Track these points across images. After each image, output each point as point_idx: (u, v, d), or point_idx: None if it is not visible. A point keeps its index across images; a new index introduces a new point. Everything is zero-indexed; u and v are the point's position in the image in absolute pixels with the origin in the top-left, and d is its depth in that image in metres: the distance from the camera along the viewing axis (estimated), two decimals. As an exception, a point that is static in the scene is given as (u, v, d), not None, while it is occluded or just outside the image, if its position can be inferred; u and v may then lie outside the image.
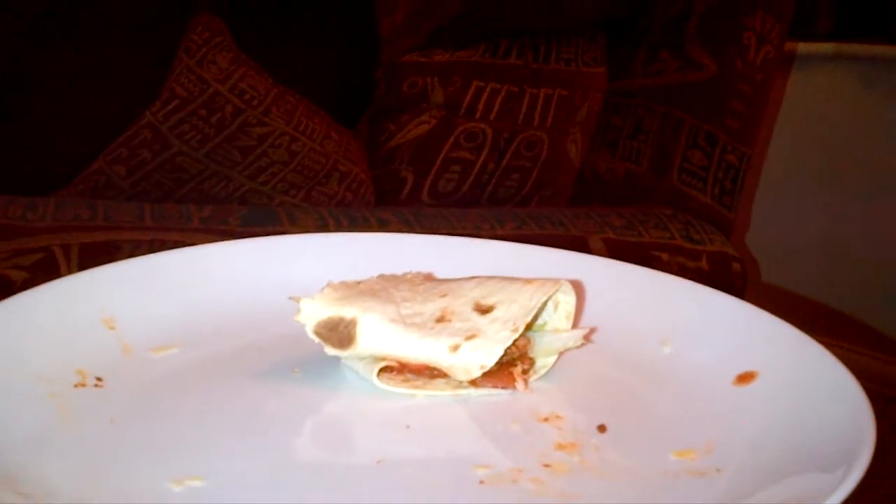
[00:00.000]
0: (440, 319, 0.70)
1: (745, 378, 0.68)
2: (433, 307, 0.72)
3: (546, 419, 0.66)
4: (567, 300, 0.74)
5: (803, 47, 2.49)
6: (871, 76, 2.48)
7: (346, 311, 0.70)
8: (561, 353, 0.73)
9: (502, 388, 0.69)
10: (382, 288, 0.74)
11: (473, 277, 0.76)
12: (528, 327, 0.71)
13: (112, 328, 0.73)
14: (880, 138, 2.48)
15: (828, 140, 2.54)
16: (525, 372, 0.71)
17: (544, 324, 0.75)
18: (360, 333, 0.69)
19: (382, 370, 0.69)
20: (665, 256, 1.54)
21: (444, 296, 0.73)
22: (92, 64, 1.62)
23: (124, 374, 0.69)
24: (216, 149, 1.59)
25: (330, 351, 0.70)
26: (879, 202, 2.49)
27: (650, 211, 1.64)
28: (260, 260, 0.84)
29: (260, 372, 0.71)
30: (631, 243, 1.52)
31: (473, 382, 0.69)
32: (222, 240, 1.08)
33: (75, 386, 0.66)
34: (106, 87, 1.62)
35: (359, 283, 0.75)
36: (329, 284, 0.73)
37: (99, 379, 0.68)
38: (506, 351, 0.68)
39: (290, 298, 0.70)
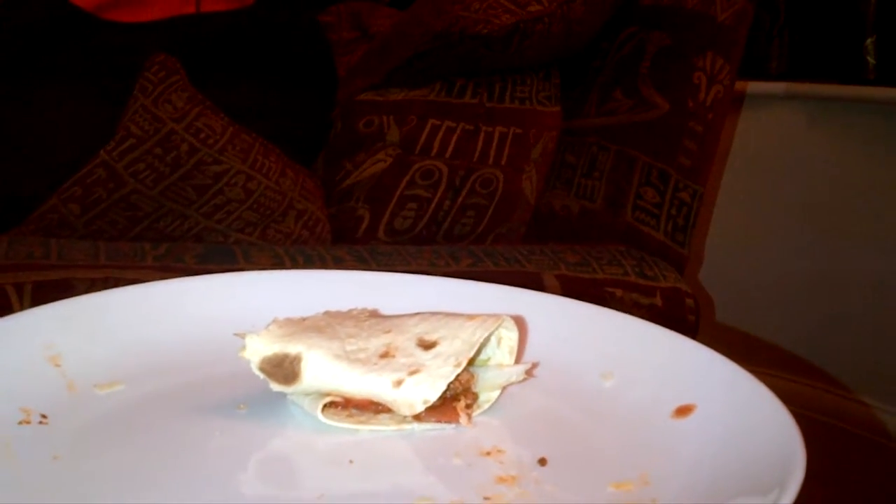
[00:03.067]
0: (384, 355, 0.71)
1: (682, 411, 0.69)
2: (377, 343, 0.72)
3: (488, 453, 0.66)
4: (510, 335, 0.75)
5: (755, 86, 2.53)
6: (822, 115, 2.53)
7: (291, 348, 0.70)
8: (504, 388, 0.74)
9: (446, 422, 0.70)
10: (328, 324, 0.75)
11: (417, 314, 0.77)
12: (471, 362, 0.72)
13: (58, 365, 0.73)
14: (830, 176, 2.52)
15: (779, 178, 2.58)
16: (468, 406, 0.71)
17: (487, 359, 0.76)
18: (305, 369, 0.69)
19: (327, 406, 0.70)
20: (619, 293, 1.55)
21: (389, 332, 0.74)
22: (46, 102, 1.62)
23: (69, 411, 0.69)
24: (171, 187, 1.59)
25: (275, 387, 0.70)
26: (831, 238, 2.53)
27: (604, 248, 1.66)
28: (206, 297, 0.85)
29: (206, 408, 0.71)
30: (585, 280, 1.53)
31: (417, 417, 0.69)
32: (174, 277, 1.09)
33: (20, 423, 0.66)
34: (60, 126, 1.62)
35: (304, 319, 0.75)
36: (275, 321, 0.73)
37: (44, 416, 0.68)
38: (449, 386, 0.69)
39: (236, 335, 0.71)
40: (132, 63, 1.64)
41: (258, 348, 0.70)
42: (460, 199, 1.76)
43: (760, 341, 2.39)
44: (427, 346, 0.72)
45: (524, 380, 0.75)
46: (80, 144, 1.59)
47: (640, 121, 1.74)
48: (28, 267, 1.27)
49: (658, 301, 1.57)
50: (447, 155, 1.75)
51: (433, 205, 1.75)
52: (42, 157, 1.62)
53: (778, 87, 2.55)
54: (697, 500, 0.59)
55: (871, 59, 2.43)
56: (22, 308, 1.18)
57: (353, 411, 0.70)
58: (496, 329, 0.74)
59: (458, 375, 0.70)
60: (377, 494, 0.63)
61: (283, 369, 0.70)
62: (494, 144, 1.77)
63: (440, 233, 1.76)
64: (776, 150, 2.56)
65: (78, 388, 0.72)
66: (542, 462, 0.65)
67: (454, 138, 1.76)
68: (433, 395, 0.68)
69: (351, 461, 0.65)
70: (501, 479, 0.63)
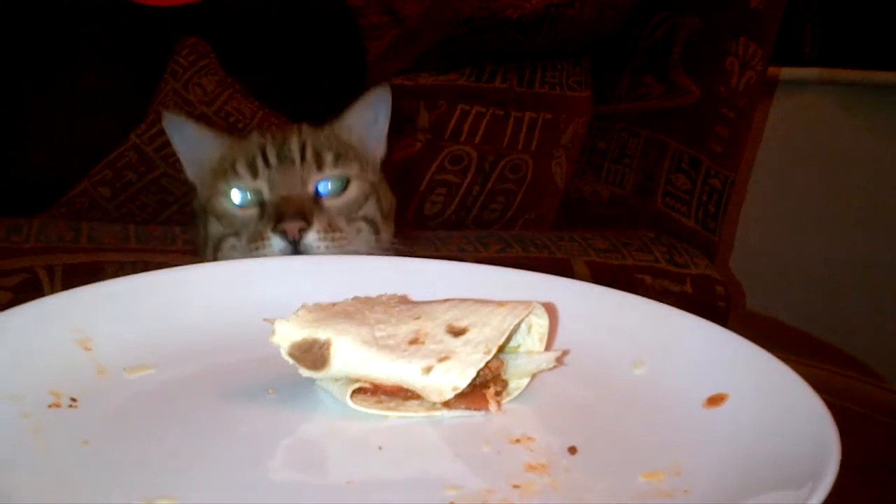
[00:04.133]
0: (413, 341, 0.71)
1: (714, 400, 0.69)
2: (407, 329, 0.72)
3: (517, 441, 0.66)
4: (540, 322, 0.75)
5: (788, 72, 2.51)
6: (855, 101, 2.50)
7: (321, 333, 0.70)
8: (534, 376, 0.74)
9: (475, 409, 0.70)
10: (357, 310, 0.75)
11: (447, 300, 0.76)
12: (501, 349, 0.71)
13: (88, 349, 0.73)
14: (864, 163, 2.49)
15: (811, 165, 2.55)
16: (498, 394, 0.71)
17: (518, 346, 0.75)
18: (334, 355, 0.69)
19: (356, 392, 0.69)
20: (649, 279, 1.54)
21: (418, 318, 0.73)
22: (77, 86, 1.62)
23: (99, 394, 0.69)
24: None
25: (304, 372, 0.70)
26: (864, 226, 2.51)
27: (634, 234, 1.65)
28: (236, 282, 0.85)
29: (234, 393, 0.71)
30: (615, 266, 1.53)
31: (446, 404, 0.69)
32: (204, 261, 1.09)
33: (49, 406, 0.66)
34: (91, 109, 1.63)
35: (333, 305, 0.75)
36: (304, 306, 0.73)
37: (73, 399, 0.68)
38: (479, 373, 0.69)
39: (265, 320, 0.71)
40: (162, 46, 1.65)
41: (287, 333, 0.70)
42: (489, 185, 1.75)
43: (792, 329, 2.37)
44: (457, 332, 0.71)
45: (554, 367, 0.74)
46: (111, 128, 1.60)
47: (672, 106, 1.73)
48: (59, 250, 1.28)
49: (688, 288, 1.56)
50: (476, 140, 1.74)
51: (462, 190, 1.74)
52: (73, 141, 1.62)
53: (811, 72, 2.52)
54: (730, 490, 0.58)
55: (906, 45, 2.41)
56: (53, 291, 1.19)
57: (382, 397, 0.70)
58: (526, 316, 0.73)
59: (487, 362, 0.69)
60: (406, 481, 0.62)
61: (313, 354, 0.70)
62: (524, 130, 1.77)
63: (469, 218, 1.76)
64: (809, 137, 2.53)
65: (108, 371, 0.72)
66: (573, 450, 0.65)
67: (484, 123, 1.75)
68: (463, 382, 0.68)
69: (380, 447, 0.65)
70: (531, 467, 0.63)
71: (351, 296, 0.77)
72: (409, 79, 1.77)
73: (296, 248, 1.01)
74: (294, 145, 1.09)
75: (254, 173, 1.07)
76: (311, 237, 1.01)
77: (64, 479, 0.59)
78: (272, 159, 1.07)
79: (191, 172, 1.17)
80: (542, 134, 1.77)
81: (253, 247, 1.03)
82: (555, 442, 0.66)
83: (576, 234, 1.61)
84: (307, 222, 1.01)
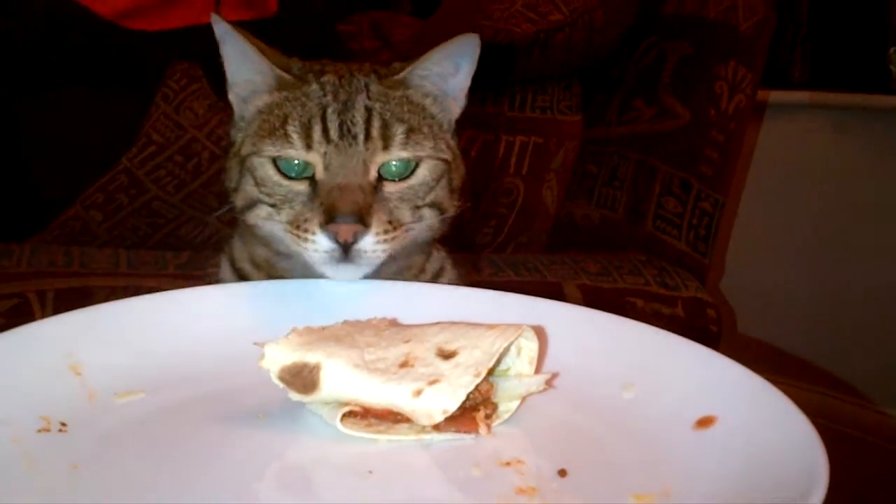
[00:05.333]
0: (403, 364, 0.71)
1: (704, 423, 0.69)
2: (397, 352, 0.72)
3: (508, 463, 0.66)
4: (530, 346, 0.75)
5: (778, 95, 2.52)
6: (844, 124, 2.51)
7: (310, 357, 0.70)
8: (523, 399, 0.74)
9: (465, 432, 0.70)
10: (347, 333, 0.75)
11: (437, 324, 0.76)
12: (491, 372, 0.71)
13: (78, 374, 0.73)
14: (853, 185, 2.50)
15: (801, 187, 2.56)
16: (488, 417, 0.71)
17: (507, 369, 0.75)
18: (324, 378, 0.69)
19: (346, 415, 0.70)
20: (640, 303, 1.55)
21: (408, 341, 0.74)
22: (69, 110, 1.63)
23: (88, 419, 0.69)
24: (192, 194, 1.59)
25: (294, 396, 0.70)
26: (854, 248, 2.51)
27: (625, 257, 1.66)
28: (226, 307, 0.85)
29: (224, 417, 0.71)
30: (606, 289, 1.53)
31: (436, 427, 0.69)
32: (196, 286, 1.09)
33: (39, 431, 0.66)
34: (83, 133, 1.63)
35: (323, 328, 0.75)
36: (294, 330, 0.73)
37: (63, 424, 0.68)
38: (468, 396, 0.69)
39: (255, 344, 0.71)
40: (154, 70, 1.65)
41: (277, 357, 0.70)
42: (481, 208, 1.75)
43: (782, 351, 2.37)
44: (447, 355, 0.71)
45: (544, 390, 0.74)
46: (103, 152, 1.60)
47: (662, 130, 1.74)
48: (50, 275, 1.28)
49: (679, 311, 1.56)
50: (468, 164, 1.75)
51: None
52: (64, 165, 1.62)
53: (801, 96, 2.54)
54: (719, 512, 0.59)
55: (894, 69, 2.42)
56: (44, 316, 1.19)
57: (372, 421, 0.70)
58: (516, 339, 0.74)
59: (477, 385, 0.69)
60: (396, 504, 0.63)
61: (303, 378, 0.70)
62: (515, 154, 1.77)
63: (461, 242, 1.76)
64: (799, 160, 2.54)
65: (97, 396, 0.72)
66: (563, 473, 0.65)
67: (475, 147, 1.75)
68: (453, 405, 0.68)
69: (370, 471, 0.65)
70: (521, 491, 0.63)
71: (342, 319, 0.77)
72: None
73: (345, 251, 0.86)
74: (359, 115, 0.91)
75: (308, 144, 0.90)
76: (367, 241, 0.87)
77: (53, 502, 0.59)
78: (332, 132, 0.90)
79: (232, 95, 1.00)
80: (533, 158, 1.78)
81: (295, 234, 0.88)
82: (545, 465, 0.66)
83: (567, 257, 1.61)
84: (364, 224, 0.86)
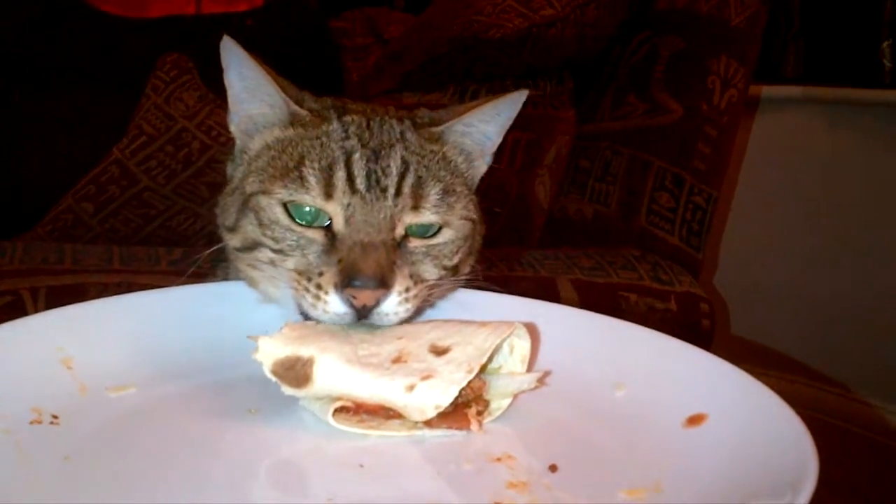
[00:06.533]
0: (396, 360, 0.71)
1: (694, 420, 0.69)
2: (390, 348, 0.72)
3: (499, 459, 0.66)
4: (522, 344, 0.75)
5: (771, 90, 2.52)
6: (837, 118, 2.51)
7: (304, 351, 0.70)
8: (515, 396, 0.74)
9: (457, 428, 0.70)
10: (340, 329, 0.75)
11: (430, 321, 0.77)
12: (483, 369, 0.72)
13: (70, 368, 0.73)
14: (846, 179, 2.51)
15: (794, 182, 2.56)
16: (480, 413, 0.71)
17: (499, 367, 0.76)
18: (317, 373, 0.69)
19: (338, 410, 0.70)
20: (633, 297, 1.55)
21: (401, 338, 0.74)
22: (59, 103, 1.63)
23: (80, 412, 0.69)
24: (183, 184, 1.60)
25: (287, 390, 0.70)
26: (847, 243, 2.52)
27: (619, 252, 1.65)
28: (218, 302, 0.85)
29: (216, 412, 0.71)
30: (600, 284, 1.53)
31: (428, 423, 0.69)
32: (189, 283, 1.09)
33: (31, 423, 0.67)
34: (73, 126, 1.63)
35: (317, 323, 0.75)
36: (288, 324, 0.73)
37: (55, 417, 0.68)
38: (461, 392, 0.69)
39: (249, 338, 0.71)
40: (142, 61, 1.65)
41: (271, 350, 0.70)
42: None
43: (775, 346, 2.38)
44: (440, 352, 0.72)
45: (535, 388, 0.74)
46: (94, 144, 1.60)
47: (655, 125, 1.74)
48: (43, 272, 1.28)
49: (673, 306, 1.56)
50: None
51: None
52: (55, 157, 1.63)
53: (794, 90, 2.54)
54: (710, 506, 0.59)
55: (887, 63, 2.42)
56: (37, 311, 1.19)
57: (364, 416, 0.70)
58: (508, 336, 0.74)
59: (469, 382, 0.69)
60: (387, 499, 0.63)
61: (296, 372, 0.70)
62: (508, 149, 1.77)
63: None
64: (792, 154, 2.55)
65: (89, 390, 0.72)
66: (553, 469, 0.65)
67: (467, 143, 1.75)
68: (446, 401, 0.68)
69: (361, 466, 0.65)
70: (512, 485, 0.63)
71: None
72: (394, 98, 1.77)
73: (362, 314, 0.76)
74: (394, 167, 0.82)
75: (328, 192, 0.80)
76: (389, 304, 0.77)
77: (45, 494, 0.59)
78: (359, 181, 0.80)
79: (236, 126, 0.90)
80: (526, 153, 1.78)
81: (304, 288, 0.78)
82: (536, 460, 0.67)
83: (561, 252, 1.61)
84: (386, 286, 0.76)
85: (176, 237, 1.57)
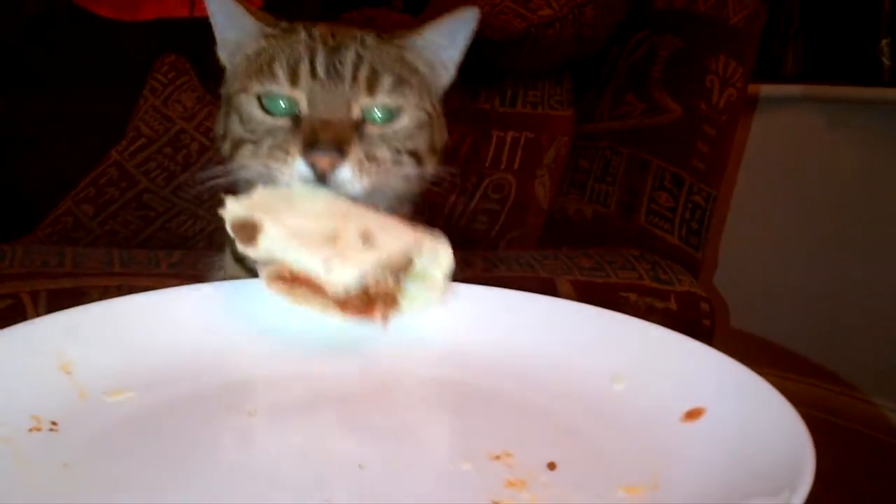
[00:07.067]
0: (330, 238, 0.77)
1: (692, 414, 0.69)
2: (330, 226, 0.79)
3: (497, 457, 0.66)
4: (445, 256, 0.80)
5: (770, 89, 2.52)
6: (837, 117, 2.51)
7: (258, 216, 0.78)
8: (430, 304, 0.80)
9: (367, 317, 0.76)
10: (302, 202, 0.84)
11: (380, 214, 0.84)
12: (405, 273, 0.78)
13: (68, 373, 0.73)
14: (846, 178, 2.50)
15: (794, 181, 2.56)
16: (387, 306, 0.77)
17: (419, 272, 0.80)
18: (262, 238, 0.77)
19: (276, 279, 0.77)
20: (633, 297, 1.55)
21: (346, 219, 0.81)
22: (57, 105, 1.63)
23: (79, 418, 0.69)
24: (182, 186, 1.60)
25: (240, 247, 0.78)
26: (846, 242, 2.52)
27: (618, 252, 1.66)
28: (216, 305, 0.85)
29: (215, 416, 0.71)
30: (599, 284, 1.53)
31: (343, 306, 0.75)
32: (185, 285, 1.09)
33: (30, 430, 0.66)
34: (71, 128, 1.63)
35: (290, 189, 0.86)
36: (258, 189, 0.84)
37: (54, 423, 0.68)
38: (377, 285, 0.75)
39: (222, 195, 0.80)
40: (139, 64, 1.66)
41: (233, 210, 0.79)
42: (473, 204, 1.76)
43: (776, 344, 2.38)
44: (366, 238, 0.77)
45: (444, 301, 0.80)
46: (92, 146, 1.61)
47: (653, 124, 1.74)
48: (43, 275, 1.28)
49: (673, 305, 1.56)
50: (459, 160, 1.75)
51: (446, 210, 1.75)
52: (54, 160, 1.63)
53: (793, 89, 2.54)
54: (708, 502, 0.59)
55: (886, 61, 2.42)
56: (37, 316, 1.19)
57: (296, 287, 0.77)
58: (433, 247, 0.79)
59: (386, 280, 0.76)
60: (386, 500, 0.63)
61: (247, 232, 0.78)
62: (507, 149, 1.78)
63: (453, 238, 1.76)
64: (791, 153, 2.55)
65: (88, 395, 0.72)
66: (552, 466, 0.65)
67: (467, 143, 1.76)
68: (352, 280, 0.73)
69: (360, 466, 0.65)
70: (511, 484, 0.63)
71: (333, 321, 0.78)
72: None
73: (324, 181, 0.88)
74: (348, 58, 0.94)
75: (293, 80, 0.93)
76: (344, 173, 0.89)
77: (44, 502, 0.59)
78: (319, 70, 0.93)
79: (223, 53, 1.03)
80: (525, 153, 1.78)
81: (273, 163, 0.90)
82: (534, 458, 0.66)
83: (560, 252, 1.61)
84: (342, 155, 0.89)
85: (176, 239, 1.57)
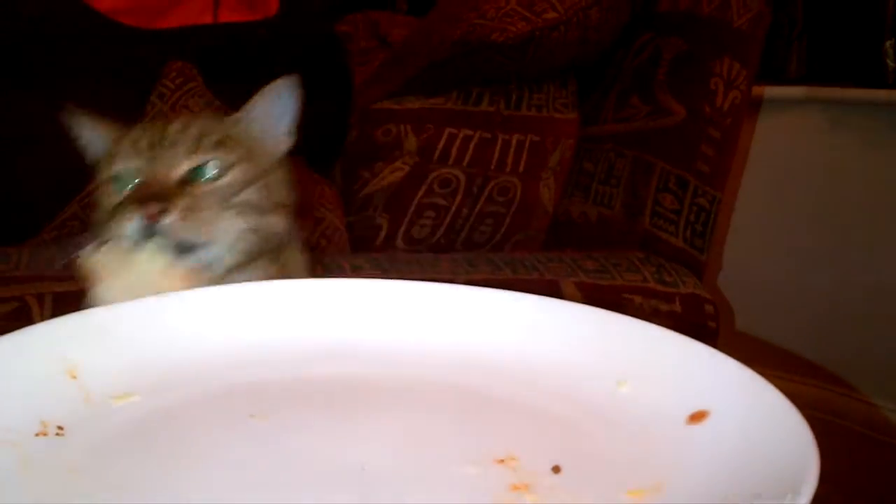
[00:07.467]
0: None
1: (696, 417, 0.69)
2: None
3: (501, 461, 0.66)
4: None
5: (775, 91, 2.52)
6: (841, 119, 2.51)
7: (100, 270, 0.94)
8: None
9: None
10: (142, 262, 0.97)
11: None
12: None
13: (74, 377, 0.73)
14: (850, 180, 2.50)
15: (798, 183, 2.56)
16: None
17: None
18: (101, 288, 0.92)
19: None
20: (638, 299, 1.55)
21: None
22: (63, 107, 1.63)
23: (86, 422, 0.69)
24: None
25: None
26: (851, 243, 2.52)
27: (623, 254, 1.66)
28: (222, 308, 0.85)
29: (222, 419, 0.72)
30: (604, 287, 1.53)
31: None
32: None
33: (36, 435, 0.67)
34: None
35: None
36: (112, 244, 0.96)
37: (60, 428, 0.68)
38: None
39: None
40: (150, 70, 1.66)
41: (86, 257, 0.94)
42: (478, 207, 1.76)
43: (780, 347, 2.38)
44: None
45: None
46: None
47: (658, 127, 1.74)
48: (49, 278, 1.29)
49: (677, 307, 1.56)
50: (464, 163, 1.75)
51: (451, 213, 1.75)
52: (61, 164, 1.63)
53: (797, 91, 2.54)
54: (712, 505, 0.59)
55: (890, 63, 2.42)
56: (43, 319, 1.19)
57: None
58: None
59: None
60: (389, 502, 0.63)
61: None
62: (511, 152, 1.78)
63: (458, 241, 1.76)
64: (795, 155, 2.55)
65: (94, 399, 0.72)
66: (557, 470, 0.65)
67: (471, 146, 1.76)
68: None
69: (363, 469, 0.65)
70: (515, 487, 0.63)
71: (349, 320, 0.79)
72: (397, 102, 1.78)
73: (152, 230, 0.97)
74: (174, 128, 1.05)
75: (131, 155, 1.04)
76: (170, 219, 0.97)
77: (50, 510, 0.59)
78: (154, 141, 1.04)
79: (90, 158, 1.16)
80: (530, 156, 1.78)
81: (115, 225, 0.99)
82: (539, 461, 0.66)
83: (565, 255, 1.62)
84: (168, 205, 0.97)
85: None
